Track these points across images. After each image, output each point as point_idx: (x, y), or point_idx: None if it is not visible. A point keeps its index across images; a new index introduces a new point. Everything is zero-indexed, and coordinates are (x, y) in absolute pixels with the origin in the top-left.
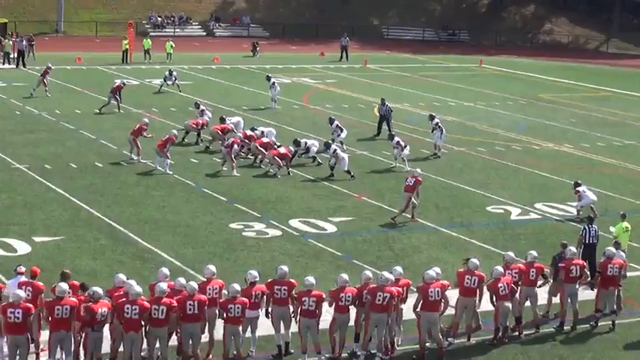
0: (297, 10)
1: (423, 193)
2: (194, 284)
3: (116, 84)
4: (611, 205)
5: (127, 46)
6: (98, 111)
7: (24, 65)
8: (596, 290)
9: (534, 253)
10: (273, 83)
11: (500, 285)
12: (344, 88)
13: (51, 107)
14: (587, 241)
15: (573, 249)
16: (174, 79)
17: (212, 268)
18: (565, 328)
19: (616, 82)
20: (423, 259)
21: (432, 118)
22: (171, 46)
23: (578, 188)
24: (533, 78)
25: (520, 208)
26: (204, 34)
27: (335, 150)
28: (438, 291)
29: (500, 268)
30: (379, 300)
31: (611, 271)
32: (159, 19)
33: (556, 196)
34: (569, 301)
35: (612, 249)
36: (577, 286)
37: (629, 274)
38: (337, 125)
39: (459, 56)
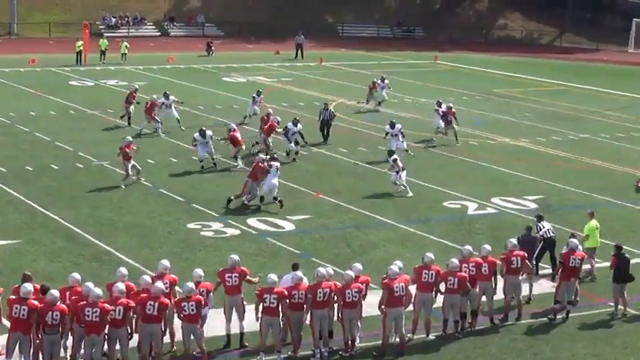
0: (252, 8)
1: (380, 189)
2: (160, 285)
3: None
4: (567, 198)
5: (81, 47)
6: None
7: None
8: (557, 281)
9: (488, 247)
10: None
11: (450, 278)
12: (300, 86)
13: (5, 110)
14: (545, 236)
15: (514, 240)
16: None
17: (166, 263)
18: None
19: (570, 76)
20: (381, 256)
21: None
22: (126, 46)
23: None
24: (487, 73)
25: (477, 203)
26: (159, 34)
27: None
28: (402, 286)
29: (456, 261)
30: (320, 297)
31: (573, 262)
32: (113, 19)
33: (512, 190)
34: (512, 293)
35: (575, 241)
36: (519, 278)
37: (586, 267)
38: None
39: (414, 53)
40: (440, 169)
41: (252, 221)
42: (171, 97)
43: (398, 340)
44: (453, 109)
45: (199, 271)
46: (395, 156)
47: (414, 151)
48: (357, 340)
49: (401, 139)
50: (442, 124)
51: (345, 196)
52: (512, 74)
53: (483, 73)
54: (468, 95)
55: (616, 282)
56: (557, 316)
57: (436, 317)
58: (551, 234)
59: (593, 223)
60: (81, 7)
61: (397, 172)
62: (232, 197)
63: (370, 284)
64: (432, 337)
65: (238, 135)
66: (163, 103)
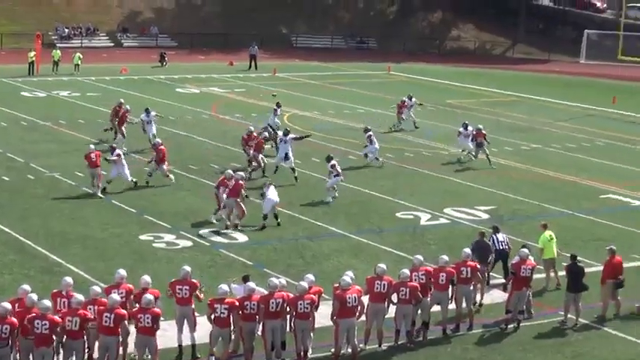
0: (206, 19)
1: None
2: (116, 296)
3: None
4: (519, 208)
5: (34, 58)
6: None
7: None
8: (508, 291)
9: (445, 257)
10: (414, 101)
11: (401, 289)
12: (253, 97)
13: None
14: (497, 248)
15: (468, 250)
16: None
17: (122, 272)
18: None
19: (522, 87)
20: (334, 267)
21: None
22: (79, 57)
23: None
24: (441, 84)
25: (429, 214)
26: (112, 45)
27: None
28: (354, 297)
29: (407, 271)
30: (272, 307)
31: (524, 272)
32: (66, 30)
33: (465, 200)
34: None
35: (526, 250)
36: (470, 288)
37: (536, 276)
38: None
39: (367, 63)
40: (392, 179)
41: (205, 232)
42: (152, 113)
43: (350, 350)
44: (483, 131)
45: (147, 278)
46: (333, 161)
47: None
48: (310, 351)
49: (369, 144)
50: (471, 146)
51: (298, 207)
52: (465, 85)
53: (437, 84)
54: (421, 106)
55: (569, 291)
56: (509, 326)
57: (388, 328)
58: (505, 246)
59: (547, 234)
60: (33, 18)
61: (336, 176)
62: (216, 215)
63: (322, 295)
64: (384, 347)
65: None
66: (143, 120)
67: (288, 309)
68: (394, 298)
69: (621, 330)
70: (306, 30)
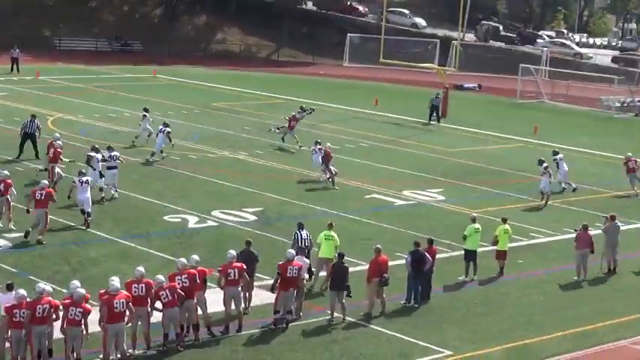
0: None
1: (99, 206)
2: None
3: None
4: (286, 209)
5: None
6: None
7: None
8: (275, 292)
9: (196, 257)
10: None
11: (162, 292)
12: (15, 100)
13: None
14: (300, 245)
15: (233, 252)
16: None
17: None
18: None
19: (287, 90)
20: (101, 272)
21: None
22: None
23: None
24: (206, 87)
25: (197, 217)
26: None
27: None
28: (123, 302)
29: (161, 277)
30: (39, 313)
31: (290, 272)
32: None
33: (232, 203)
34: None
35: (292, 251)
36: (239, 289)
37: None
38: None
39: (132, 67)
40: (160, 182)
41: None
42: None
43: (119, 356)
44: (329, 150)
45: None
46: (115, 152)
47: (134, 165)
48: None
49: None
50: (320, 161)
51: (64, 212)
52: (231, 88)
53: (202, 86)
54: (187, 109)
55: (332, 290)
56: (278, 326)
57: (157, 331)
58: (307, 243)
59: (329, 232)
60: None
61: (111, 168)
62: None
63: (89, 300)
64: (153, 351)
65: None
66: None
67: (54, 315)
68: (159, 304)
69: (386, 327)
70: (69, 33)
